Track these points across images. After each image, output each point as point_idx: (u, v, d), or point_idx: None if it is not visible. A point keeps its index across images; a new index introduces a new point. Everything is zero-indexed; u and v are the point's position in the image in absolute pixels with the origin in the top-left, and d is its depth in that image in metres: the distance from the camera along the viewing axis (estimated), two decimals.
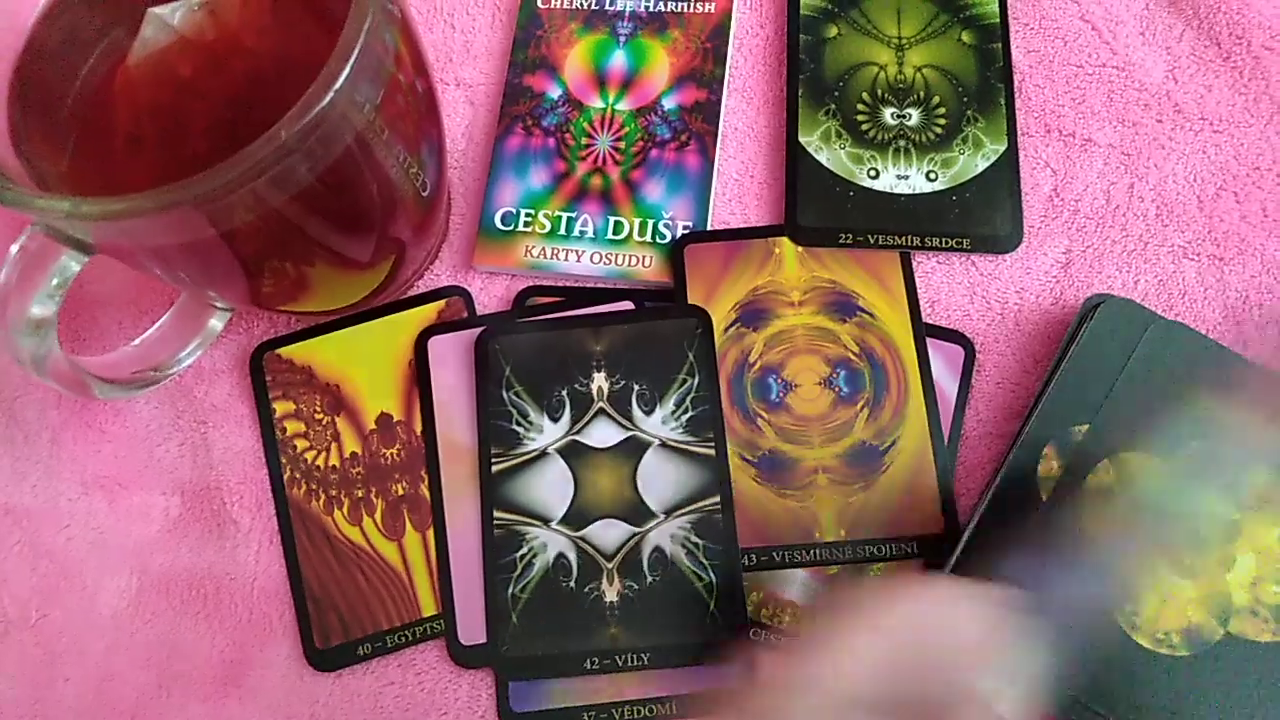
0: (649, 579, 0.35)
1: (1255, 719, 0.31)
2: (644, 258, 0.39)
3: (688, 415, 0.37)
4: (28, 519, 0.39)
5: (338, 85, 0.27)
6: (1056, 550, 0.33)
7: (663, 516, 0.36)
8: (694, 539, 0.35)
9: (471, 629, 0.35)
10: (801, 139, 0.40)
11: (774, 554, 0.35)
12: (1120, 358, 0.35)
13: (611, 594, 0.35)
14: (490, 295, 0.40)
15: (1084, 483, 0.33)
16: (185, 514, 0.38)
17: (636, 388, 0.37)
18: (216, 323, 0.39)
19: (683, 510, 0.36)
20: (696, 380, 0.37)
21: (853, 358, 0.37)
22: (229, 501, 0.38)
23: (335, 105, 0.27)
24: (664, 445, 0.36)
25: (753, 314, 0.38)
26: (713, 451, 0.36)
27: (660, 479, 0.36)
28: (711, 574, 0.35)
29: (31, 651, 0.37)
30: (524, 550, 0.36)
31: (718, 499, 0.36)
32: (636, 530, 0.36)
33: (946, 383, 0.37)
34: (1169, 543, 0.33)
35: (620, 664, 0.34)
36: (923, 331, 0.38)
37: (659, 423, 0.37)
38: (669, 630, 0.35)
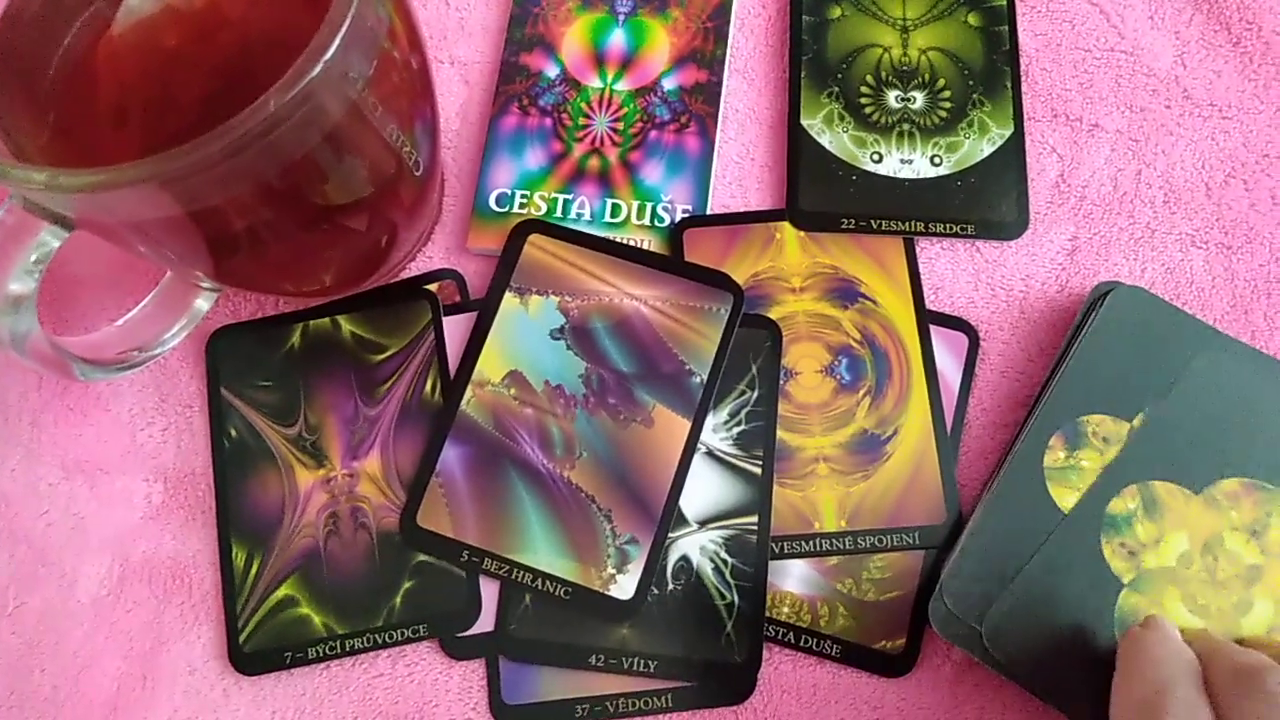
0: (670, 586, 0.34)
1: None
2: (642, 241, 0.38)
3: (740, 428, 0.35)
4: (6, 504, 0.38)
5: (328, 56, 0.26)
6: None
7: (695, 526, 0.35)
8: (723, 555, 0.34)
9: None
10: (803, 122, 0.39)
11: (773, 544, 0.34)
12: (1128, 346, 0.34)
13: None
14: (484, 278, 0.39)
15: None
16: (168, 500, 0.37)
17: None
18: (203, 303, 0.38)
19: (717, 524, 0.35)
20: (756, 394, 0.36)
21: (854, 345, 0.37)
22: (214, 489, 0.37)
23: (326, 77, 0.26)
24: (710, 454, 0.35)
25: (753, 300, 0.37)
26: (759, 470, 0.35)
27: (701, 488, 0.35)
28: (735, 595, 0.34)
29: (8, 640, 0.36)
30: None
31: (755, 519, 0.35)
32: (668, 534, 0.35)
33: (950, 371, 0.36)
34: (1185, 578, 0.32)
35: (625, 666, 0.33)
36: (926, 319, 0.37)
37: (710, 431, 0.36)
38: (680, 643, 0.34)
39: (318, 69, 0.26)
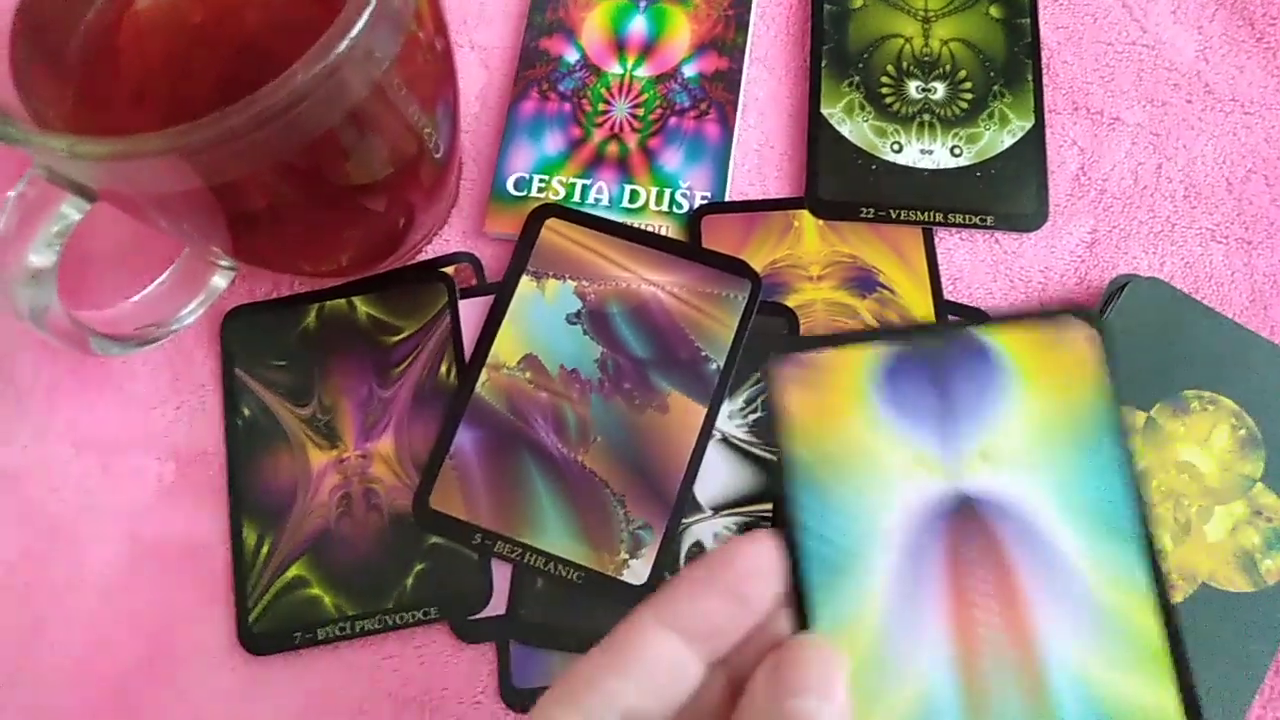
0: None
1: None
2: (660, 228, 0.38)
3: (755, 416, 0.35)
4: (17, 480, 0.38)
5: (354, 33, 0.26)
6: None
7: (709, 512, 0.35)
8: None
9: None
10: (824, 110, 0.39)
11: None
12: (1146, 338, 0.34)
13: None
14: (501, 262, 0.39)
15: None
16: (180, 480, 0.37)
17: None
18: (220, 281, 0.38)
19: (731, 511, 0.35)
20: None
21: None
22: (225, 468, 0.37)
23: (351, 54, 0.26)
24: (725, 441, 0.35)
25: (771, 287, 0.37)
26: (774, 457, 0.35)
27: (715, 474, 0.35)
28: None
29: (16, 617, 0.36)
30: None
31: (770, 507, 0.34)
32: (681, 521, 0.34)
33: None
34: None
35: None
36: (944, 309, 0.37)
37: (725, 417, 0.35)
38: None
39: (344, 45, 0.26)
